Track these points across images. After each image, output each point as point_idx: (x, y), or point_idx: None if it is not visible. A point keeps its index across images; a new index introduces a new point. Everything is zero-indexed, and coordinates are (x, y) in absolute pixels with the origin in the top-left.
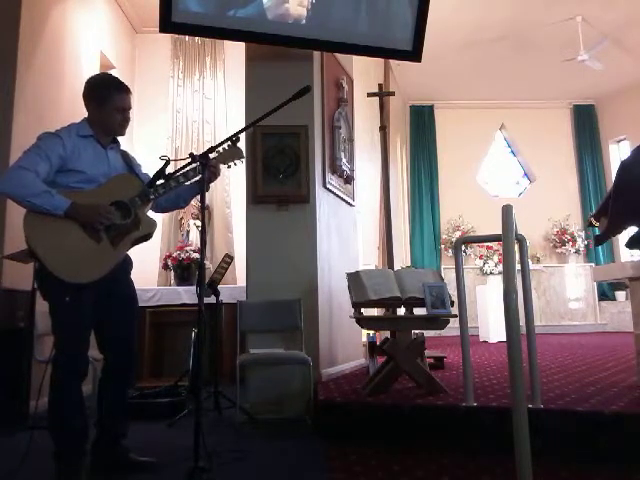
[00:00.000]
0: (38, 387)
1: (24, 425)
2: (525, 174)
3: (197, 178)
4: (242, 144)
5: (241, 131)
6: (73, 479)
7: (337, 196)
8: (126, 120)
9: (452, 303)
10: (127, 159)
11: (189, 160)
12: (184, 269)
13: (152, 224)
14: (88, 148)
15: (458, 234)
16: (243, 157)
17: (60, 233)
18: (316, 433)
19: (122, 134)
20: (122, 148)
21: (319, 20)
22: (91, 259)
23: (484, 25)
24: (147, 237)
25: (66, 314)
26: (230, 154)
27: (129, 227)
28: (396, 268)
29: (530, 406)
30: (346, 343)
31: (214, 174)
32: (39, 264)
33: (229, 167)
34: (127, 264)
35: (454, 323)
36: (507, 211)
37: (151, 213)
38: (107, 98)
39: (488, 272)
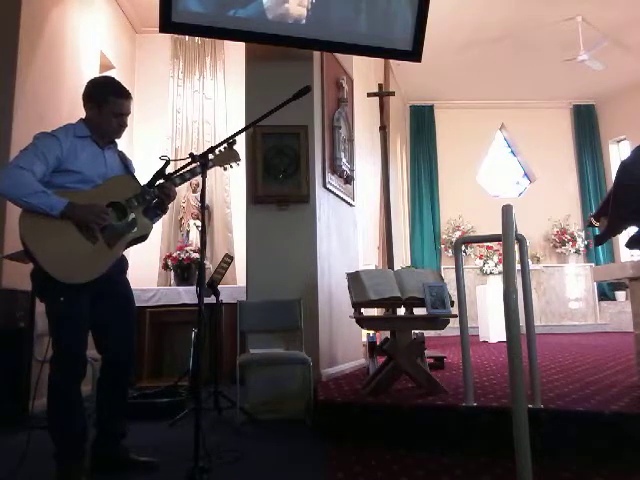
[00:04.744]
0: (34, 387)
1: (24, 425)
2: (525, 174)
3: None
4: (242, 144)
5: (240, 131)
6: (73, 479)
7: (337, 196)
8: (122, 126)
9: (452, 303)
10: (124, 160)
11: (189, 160)
12: (184, 269)
13: (148, 225)
14: (85, 149)
15: (458, 234)
16: (239, 160)
17: (56, 233)
18: (316, 433)
19: (117, 137)
20: (120, 148)
21: (319, 20)
22: (87, 259)
23: (484, 25)
24: (143, 238)
25: (62, 314)
26: (227, 156)
27: (125, 228)
28: (396, 268)
29: (530, 406)
30: (346, 343)
31: (167, 196)
32: (35, 264)
33: (225, 169)
34: (123, 264)
35: (454, 323)
36: (507, 211)
37: None
38: (105, 102)
39: (488, 272)
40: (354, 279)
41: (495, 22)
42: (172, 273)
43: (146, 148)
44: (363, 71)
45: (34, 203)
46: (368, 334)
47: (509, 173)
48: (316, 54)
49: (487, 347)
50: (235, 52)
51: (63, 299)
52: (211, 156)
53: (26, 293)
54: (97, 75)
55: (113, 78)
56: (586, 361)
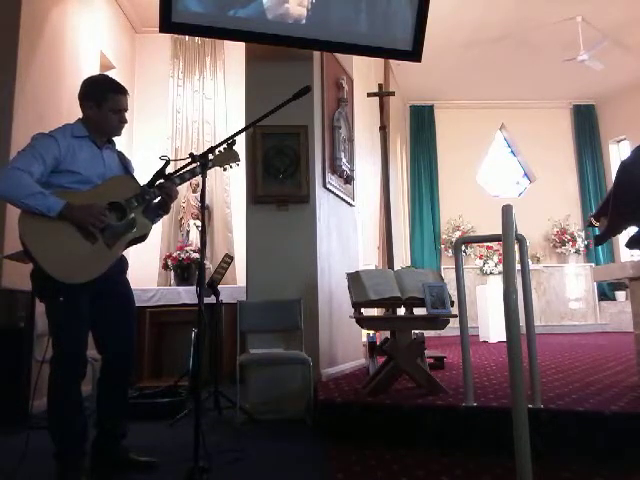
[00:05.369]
0: (34, 387)
1: (24, 425)
2: (525, 174)
3: (158, 200)
4: (242, 144)
5: (240, 131)
6: (73, 479)
7: (337, 196)
8: (122, 121)
9: (452, 303)
10: (123, 160)
11: (189, 160)
12: (184, 269)
13: (147, 225)
14: (83, 149)
15: (458, 234)
16: (239, 160)
17: (55, 233)
18: (316, 433)
19: (118, 134)
20: (120, 149)
21: (319, 20)
22: (86, 260)
23: (484, 25)
24: (142, 238)
25: (62, 315)
26: (226, 157)
27: (124, 228)
28: (396, 268)
29: (530, 406)
30: (346, 343)
31: (169, 195)
32: (35, 264)
33: (225, 169)
34: (123, 264)
35: (454, 323)
36: (507, 211)
37: None
38: (104, 99)
39: (488, 272)
40: (354, 279)
41: (495, 22)
42: (172, 273)
43: (146, 148)
44: (363, 71)
45: (31, 204)
46: (368, 334)
47: (509, 173)
48: (316, 54)
49: (487, 347)
50: (235, 52)
51: (63, 299)
52: (211, 156)
53: (26, 293)
54: None
55: (107, 75)
56: (586, 361)
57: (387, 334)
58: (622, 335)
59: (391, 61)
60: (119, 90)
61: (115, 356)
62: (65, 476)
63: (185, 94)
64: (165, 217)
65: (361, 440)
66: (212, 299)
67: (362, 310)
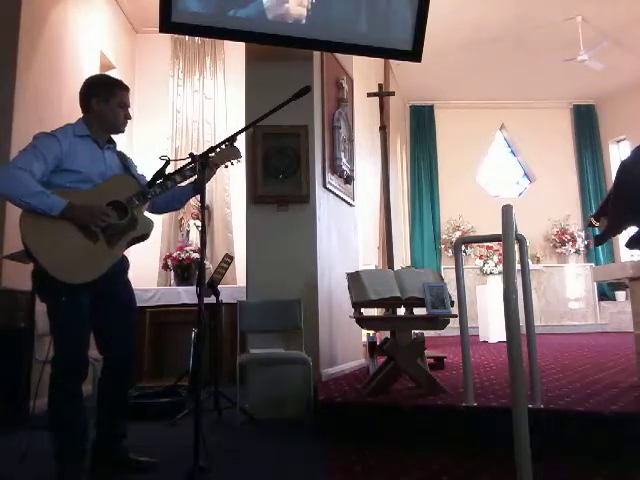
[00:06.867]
0: (36, 387)
1: (24, 425)
2: (525, 174)
3: (193, 178)
4: (242, 144)
5: (241, 131)
6: (73, 479)
7: (337, 196)
8: (127, 117)
9: (452, 303)
10: (123, 159)
11: (189, 160)
12: (184, 269)
13: (149, 224)
14: (85, 148)
15: (458, 234)
16: (240, 157)
17: (56, 233)
18: (316, 433)
19: (123, 131)
20: (120, 148)
21: (319, 20)
22: (88, 259)
23: (484, 25)
24: (144, 237)
25: (63, 315)
26: (227, 154)
27: (126, 227)
28: (396, 268)
29: (530, 406)
30: (346, 343)
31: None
32: (36, 264)
33: (226, 167)
34: (124, 264)
35: (454, 323)
36: (507, 211)
37: (148, 214)
38: (112, 94)
39: (488, 272)
40: (354, 279)
41: (495, 22)
42: (172, 273)
43: (146, 148)
44: (363, 71)
45: (33, 204)
46: (368, 334)
47: (509, 173)
48: (316, 54)
49: (487, 347)
50: (235, 52)
51: (64, 299)
52: (212, 155)
53: (26, 293)
54: None
55: (108, 75)
56: (586, 361)
57: (387, 334)
58: (622, 335)
59: (391, 61)
60: (123, 86)
61: (116, 356)
62: (65, 476)
63: (185, 94)
64: (165, 217)
65: (361, 440)
66: (212, 299)
67: (362, 310)
